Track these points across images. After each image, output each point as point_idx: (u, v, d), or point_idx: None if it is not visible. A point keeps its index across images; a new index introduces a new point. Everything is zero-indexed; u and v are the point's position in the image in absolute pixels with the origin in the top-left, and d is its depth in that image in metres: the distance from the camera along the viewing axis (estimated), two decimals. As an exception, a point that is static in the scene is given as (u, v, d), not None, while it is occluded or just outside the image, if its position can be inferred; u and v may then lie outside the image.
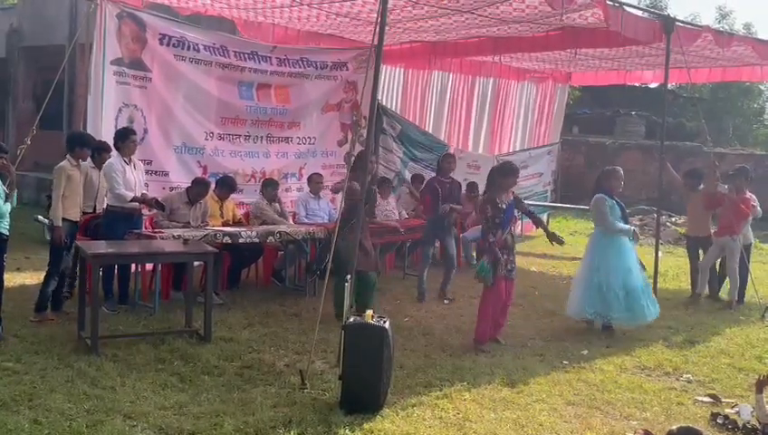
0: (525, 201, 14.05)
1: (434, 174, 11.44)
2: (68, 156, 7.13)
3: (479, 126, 14.07)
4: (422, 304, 8.68)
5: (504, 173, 6.99)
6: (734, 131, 30.02)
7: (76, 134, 7.95)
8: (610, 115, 25.64)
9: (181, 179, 9.09)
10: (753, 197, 9.34)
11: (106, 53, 8.45)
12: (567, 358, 6.68)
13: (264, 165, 10.33)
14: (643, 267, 7.73)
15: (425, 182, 9.85)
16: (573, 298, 7.72)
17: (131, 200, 7.45)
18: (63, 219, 6.94)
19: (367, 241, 7.62)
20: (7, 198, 6.38)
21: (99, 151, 7.68)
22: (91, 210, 7.75)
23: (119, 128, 8.04)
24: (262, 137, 10.29)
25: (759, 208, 9.42)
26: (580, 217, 17.04)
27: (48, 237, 7.14)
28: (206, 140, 9.68)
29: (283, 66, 10.34)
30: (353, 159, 7.22)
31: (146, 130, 8.89)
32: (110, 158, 7.72)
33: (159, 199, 7.89)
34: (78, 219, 7.18)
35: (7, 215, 6.44)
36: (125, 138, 7.51)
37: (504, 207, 6.89)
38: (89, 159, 7.54)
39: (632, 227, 7.64)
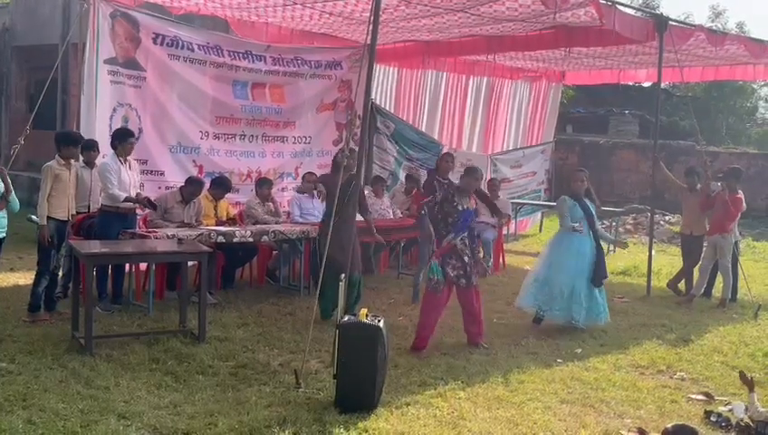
0: (519, 200, 14.26)
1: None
2: (57, 155, 7.11)
3: (473, 125, 14.08)
4: (415, 303, 8.63)
5: (468, 172, 6.98)
6: (727, 130, 30.07)
7: (61, 133, 7.92)
8: (604, 114, 25.68)
9: (177, 179, 9.06)
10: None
11: (99, 52, 8.43)
12: (561, 356, 6.70)
13: (260, 164, 10.30)
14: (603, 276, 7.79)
15: (426, 177, 9.57)
16: (522, 289, 7.93)
17: (124, 200, 7.43)
18: (50, 218, 6.91)
19: (349, 241, 7.50)
20: (2, 200, 6.38)
21: (86, 150, 7.63)
22: (84, 210, 7.71)
23: (117, 128, 8.01)
24: (257, 136, 10.26)
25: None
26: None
27: (39, 237, 7.12)
28: (202, 139, 9.66)
29: (278, 65, 10.31)
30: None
31: (141, 130, 8.86)
32: (97, 156, 7.71)
33: (152, 199, 7.88)
34: (66, 219, 7.10)
35: (3, 218, 6.43)
36: (123, 139, 7.48)
37: (461, 209, 6.71)
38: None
39: (573, 225, 7.60)
